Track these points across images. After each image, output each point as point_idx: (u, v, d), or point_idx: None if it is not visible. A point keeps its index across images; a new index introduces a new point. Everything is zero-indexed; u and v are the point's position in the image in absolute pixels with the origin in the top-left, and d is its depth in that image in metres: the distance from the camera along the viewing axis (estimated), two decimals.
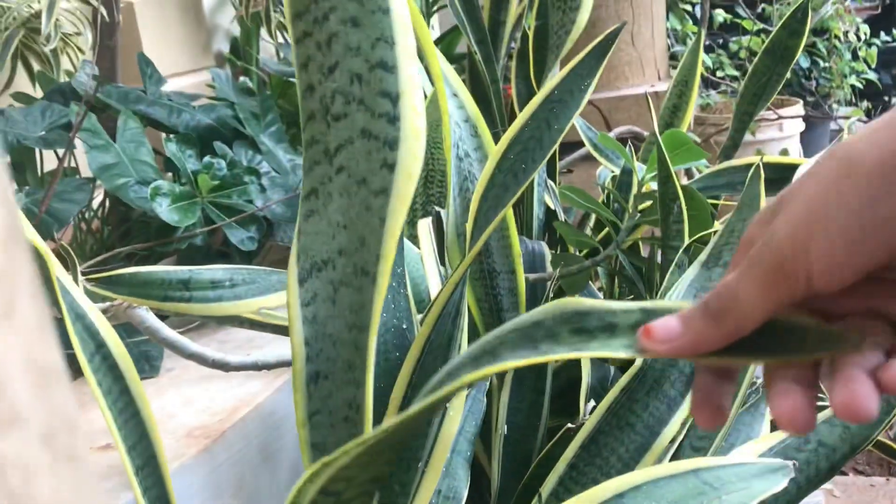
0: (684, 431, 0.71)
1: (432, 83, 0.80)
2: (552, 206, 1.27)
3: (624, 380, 0.61)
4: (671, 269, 0.78)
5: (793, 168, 0.86)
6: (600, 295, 1.08)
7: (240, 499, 0.86)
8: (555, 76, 0.77)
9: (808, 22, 0.95)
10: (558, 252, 1.16)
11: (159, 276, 0.68)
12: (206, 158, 1.16)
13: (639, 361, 0.61)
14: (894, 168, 0.29)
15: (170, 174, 1.23)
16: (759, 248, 0.32)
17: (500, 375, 0.87)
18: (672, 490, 0.42)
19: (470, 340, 1.03)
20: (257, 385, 0.92)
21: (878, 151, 0.29)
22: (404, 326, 0.75)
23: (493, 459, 0.80)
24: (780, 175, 0.93)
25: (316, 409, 0.49)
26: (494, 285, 0.87)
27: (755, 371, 0.71)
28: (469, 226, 0.71)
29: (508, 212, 0.86)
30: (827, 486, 1.29)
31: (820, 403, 1.10)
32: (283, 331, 0.93)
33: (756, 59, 0.97)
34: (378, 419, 0.69)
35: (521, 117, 0.69)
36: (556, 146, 0.69)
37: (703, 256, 0.66)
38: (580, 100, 0.69)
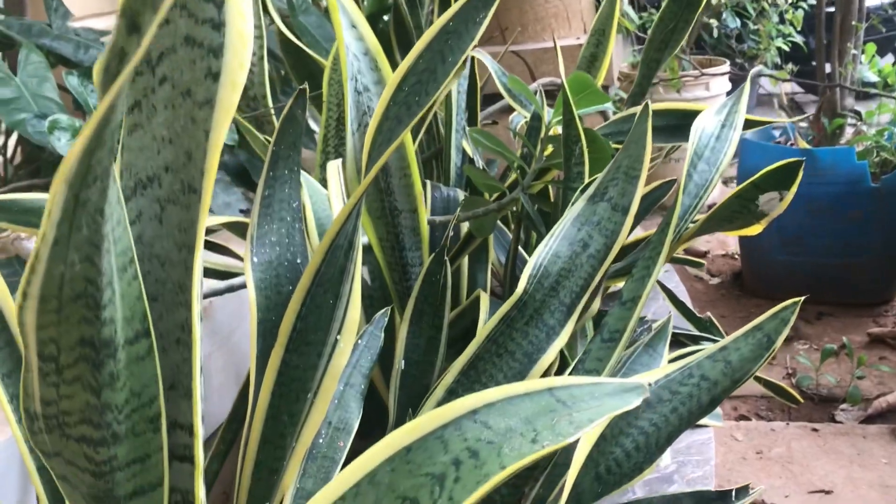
0: (573, 364, 0.73)
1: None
2: (471, 155, 1.27)
3: (505, 308, 0.62)
4: (568, 207, 0.79)
5: (693, 114, 0.87)
6: (510, 237, 1.09)
7: None
8: None
9: None
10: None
11: (40, 203, 0.66)
12: None
13: (520, 290, 0.62)
14: None
15: (80, 113, 1.19)
16: None
17: (402, 311, 0.87)
18: (525, 407, 0.43)
19: (372, 280, 1.03)
20: None
21: None
22: (298, 261, 0.75)
23: (391, 393, 0.81)
24: (680, 122, 0.95)
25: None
26: (396, 224, 0.87)
27: (640, 310, 0.73)
28: (364, 158, 0.70)
29: (409, 151, 0.86)
30: (729, 429, 1.34)
31: (698, 347, 1.13)
32: None
33: (663, 6, 0.98)
34: (266, 351, 0.69)
35: (416, 48, 0.68)
36: (448, 80, 0.68)
37: (590, 191, 0.67)
38: (475, 32, 0.68)
